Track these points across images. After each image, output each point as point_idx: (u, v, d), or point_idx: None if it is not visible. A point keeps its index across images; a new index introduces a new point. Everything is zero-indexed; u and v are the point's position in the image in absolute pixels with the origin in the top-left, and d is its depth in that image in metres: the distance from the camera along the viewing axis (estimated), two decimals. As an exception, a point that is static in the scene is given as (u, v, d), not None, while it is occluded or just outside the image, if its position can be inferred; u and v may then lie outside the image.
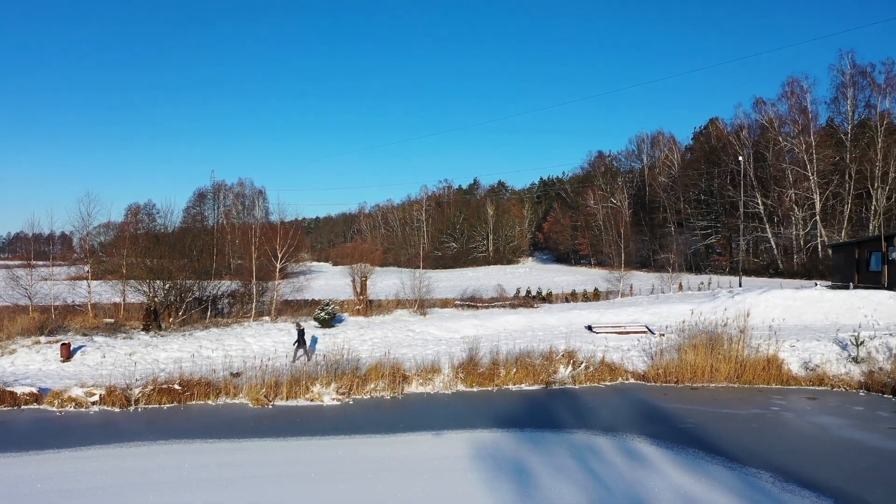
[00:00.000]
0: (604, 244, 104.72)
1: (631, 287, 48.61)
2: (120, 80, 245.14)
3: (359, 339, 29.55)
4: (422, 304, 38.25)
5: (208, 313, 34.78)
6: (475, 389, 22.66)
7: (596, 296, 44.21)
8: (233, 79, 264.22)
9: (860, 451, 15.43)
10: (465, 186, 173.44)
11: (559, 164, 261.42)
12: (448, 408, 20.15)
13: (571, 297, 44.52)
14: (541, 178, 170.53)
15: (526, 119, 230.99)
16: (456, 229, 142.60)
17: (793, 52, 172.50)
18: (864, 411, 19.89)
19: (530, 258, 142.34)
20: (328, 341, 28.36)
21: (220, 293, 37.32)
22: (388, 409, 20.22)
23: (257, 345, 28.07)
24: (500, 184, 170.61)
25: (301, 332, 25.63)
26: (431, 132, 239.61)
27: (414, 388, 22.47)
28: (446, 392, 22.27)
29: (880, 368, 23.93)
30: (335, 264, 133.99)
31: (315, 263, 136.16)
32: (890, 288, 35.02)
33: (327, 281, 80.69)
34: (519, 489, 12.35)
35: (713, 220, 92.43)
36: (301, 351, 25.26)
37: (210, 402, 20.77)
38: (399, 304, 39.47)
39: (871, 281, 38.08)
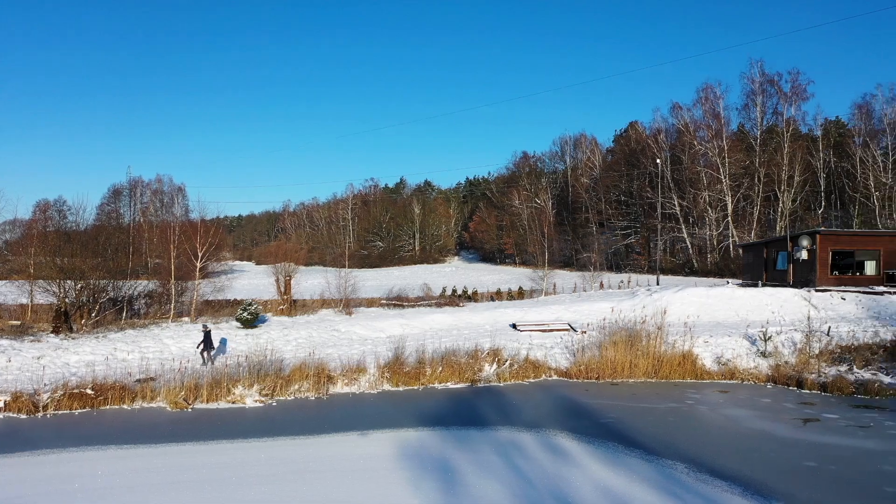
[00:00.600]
0: (528, 243, 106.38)
1: (554, 286, 49.60)
2: (25, 68, 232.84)
3: (283, 339, 29.07)
4: (347, 304, 37.95)
5: (124, 314, 33.50)
6: (401, 389, 22.64)
7: (521, 294, 44.91)
8: (150, 70, 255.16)
9: (768, 440, 16.21)
10: (391, 185, 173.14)
11: (485, 164, 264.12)
12: (374, 407, 20.06)
13: (497, 295, 45.08)
14: (467, 178, 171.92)
15: (452, 119, 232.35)
16: (382, 228, 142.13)
17: (708, 59, 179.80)
18: (772, 403, 20.92)
19: (456, 257, 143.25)
20: (251, 342, 27.78)
21: (136, 293, 36.01)
22: (313, 409, 19.96)
23: (176, 346, 27.23)
24: (427, 183, 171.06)
25: (207, 335, 24.87)
26: (358, 130, 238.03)
27: (339, 388, 22.27)
28: (372, 392, 22.16)
29: (786, 362, 25.23)
30: (258, 263, 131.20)
31: (237, 262, 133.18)
32: (795, 286, 36.93)
33: (250, 280, 78.99)
34: (444, 487, 12.41)
35: (633, 221, 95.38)
36: (207, 354, 24.56)
37: (125, 406, 20.00)
38: (324, 303, 39.06)
39: (778, 279, 40.07)
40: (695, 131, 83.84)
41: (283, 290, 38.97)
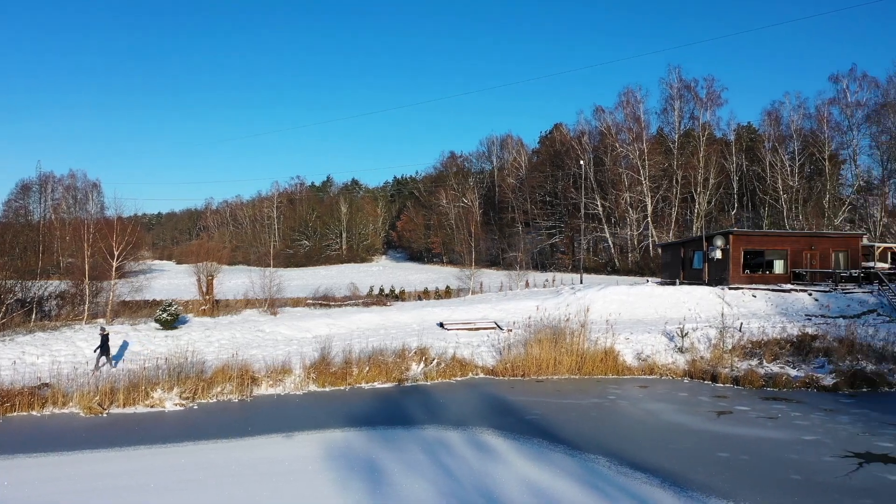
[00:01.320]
0: (456, 243, 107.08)
1: (481, 284, 50.09)
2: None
3: (204, 340, 28.30)
4: (272, 304, 37.28)
5: (33, 316, 31.88)
6: (327, 389, 22.41)
7: (448, 293, 45.16)
8: (63, 60, 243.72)
9: (684, 433, 16.84)
10: (318, 183, 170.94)
11: (413, 164, 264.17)
12: (299, 408, 19.78)
13: (424, 294, 45.18)
14: (395, 177, 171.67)
15: (380, 117, 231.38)
16: (309, 227, 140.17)
17: (630, 64, 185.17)
18: (688, 396, 21.73)
19: (384, 256, 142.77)
20: (171, 343, 26.93)
21: (47, 294, 34.32)
22: (236, 412, 19.51)
23: (90, 349, 26.10)
24: (354, 181, 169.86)
25: (105, 338, 23.92)
26: (284, 127, 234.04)
27: (264, 389, 21.86)
28: (297, 393, 21.85)
29: (701, 357, 26.25)
30: (179, 263, 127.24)
31: (157, 262, 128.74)
32: (710, 284, 38.48)
33: (170, 280, 76.60)
34: (370, 487, 12.35)
35: (557, 221, 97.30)
36: (104, 359, 23.64)
37: (35, 412, 19.05)
38: (248, 303, 38.25)
39: (694, 277, 41.67)
40: (616, 134, 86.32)
41: (205, 290, 37.94)
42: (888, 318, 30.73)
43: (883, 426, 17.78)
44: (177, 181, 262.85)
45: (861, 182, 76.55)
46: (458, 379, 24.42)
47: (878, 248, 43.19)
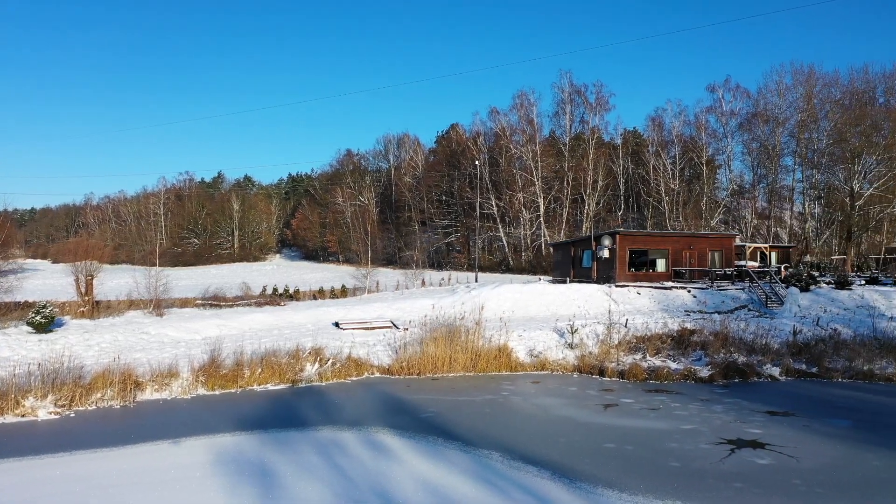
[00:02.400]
0: (352, 242, 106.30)
1: (378, 284, 49.90)
2: None
3: (83, 344, 26.69)
4: (158, 304, 35.66)
5: None
6: (217, 392, 21.67)
7: (344, 292, 44.72)
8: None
9: (573, 426, 17.43)
10: (208, 180, 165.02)
11: (308, 161, 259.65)
12: (187, 413, 19.01)
13: (320, 294, 44.53)
14: (289, 174, 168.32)
15: (274, 113, 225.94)
16: (198, 225, 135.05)
17: (524, 67, 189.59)
18: (577, 391, 22.51)
19: (278, 255, 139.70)
20: (45, 348, 25.22)
21: None
22: (118, 419, 18.51)
23: (-48, 356, 24.09)
24: (247, 178, 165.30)
25: None
26: (172, 120, 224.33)
27: (148, 394, 20.86)
28: (185, 397, 21.00)
29: (590, 352, 27.26)
30: (56, 262, 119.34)
31: (30, 261, 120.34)
32: (598, 282, 40.02)
33: (45, 280, 71.97)
34: (262, 492, 12.06)
35: (453, 220, 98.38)
36: None
37: None
38: (132, 304, 36.41)
39: (584, 276, 43.22)
40: (511, 135, 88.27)
41: (83, 290, 35.78)
42: (758, 313, 32.98)
43: (752, 414, 19.08)
44: (52, 174, 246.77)
45: (734, 186, 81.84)
46: (354, 379, 24.24)
47: (749, 247, 46.36)
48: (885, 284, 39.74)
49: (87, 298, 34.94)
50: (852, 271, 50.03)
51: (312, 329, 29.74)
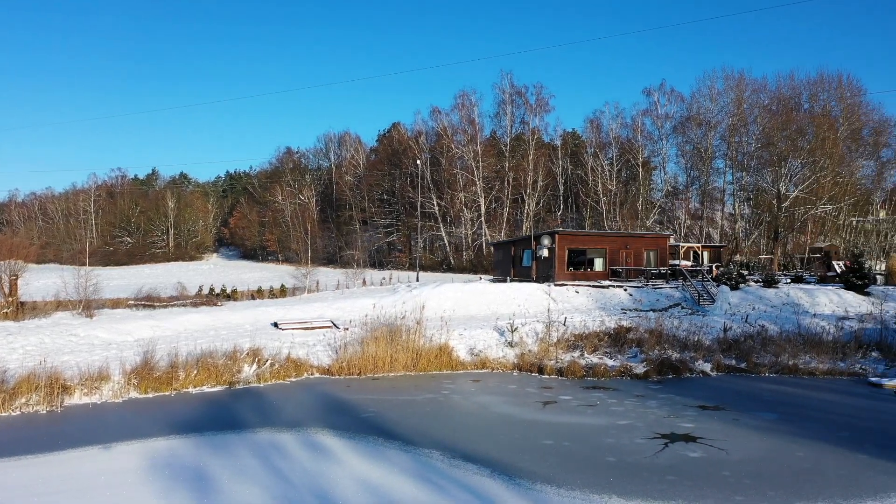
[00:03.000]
0: (292, 241, 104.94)
1: (318, 283, 49.37)
2: None
3: (6, 347, 25.54)
4: (88, 305, 34.44)
5: None
6: (151, 395, 21.06)
7: (283, 292, 44.06)
8: None
9: (513, 423, 17.62)
10: (142, 176, 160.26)
11: (247, 158, 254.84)
12: (118, 418, 18.41)
13: (258, 294, 43.76)
14: (227, 172, 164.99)
15: (212, 109, 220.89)
16: (131, 223, 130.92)
17: (465, 67, 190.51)
18: (517, 389, 22.76)
19: (215, 254, 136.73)
20: (-35, 352, 24.06)
21: None
22: (44, 424, 17.79)
23: None
24: (183, 175, 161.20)
25: None
26: (103, 114, 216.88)
27: (77, 399, 20.11)
28: (116, 400, 20.33)
29: (529, 350, 27.61)
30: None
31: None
32: (538, 281, 40.55)
33: (-35, 281, 68.43)
34: (197, 496, 11.79)
35: (395, 219, 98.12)
36: None
37: None
38: (60, 305, 35.08)
39: (524, 275, 43.73)
40: (452, 135, 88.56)
41: (7, 291, 34.28)
42: (690, 311, 33.98)
43: (685, 408, 19.66)
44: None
45: (669, 187, 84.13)
46: (293, 380, 23.92)
47: (683, 247, 47.75)
48: (808, 282, 41.51)
49: (11, 299, 33.49)
50: (779, 270, 52.08)
51: (250, 330, 29.22)
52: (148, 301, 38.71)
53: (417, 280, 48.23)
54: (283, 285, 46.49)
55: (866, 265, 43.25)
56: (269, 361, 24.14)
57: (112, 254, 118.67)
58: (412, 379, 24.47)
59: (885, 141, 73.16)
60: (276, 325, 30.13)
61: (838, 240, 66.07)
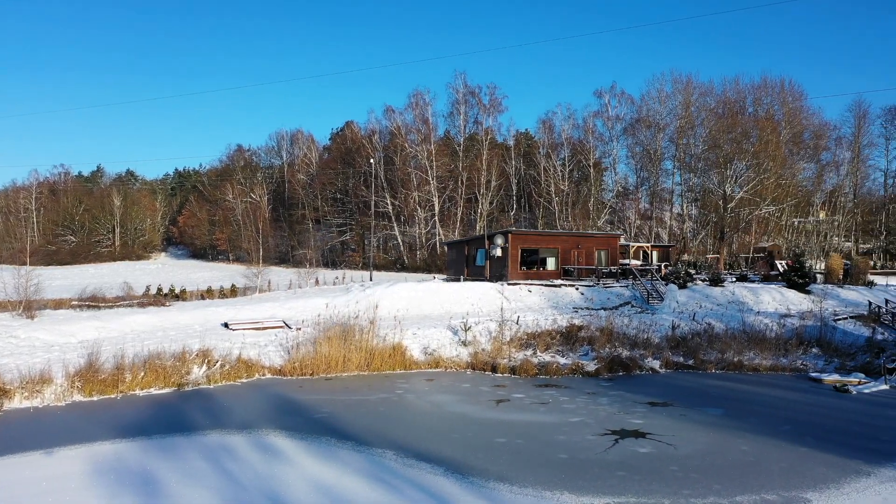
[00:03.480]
0: (243, 240, 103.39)
1: (269, 283, 48.75)
2: None
3: (-59, 350, 24.55)
4: (29, 306, 33.29)
5: None
6: (96, 398, 20.49)
7: (234, 292, 43.33)
8: None
9: (466, 422, 17.69)
10: (86, 174, 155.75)
11: (196, 156, 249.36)
12: (61, 421, 17.86)
13: (208, 293, 42.94)
14: (176, 169, 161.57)
15: (160, 104, 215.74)
16: (75, 221, 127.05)
17: (419, 66, 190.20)
18: (470, 387, 22.85)
19: (164, 254, 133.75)
20: None
21: None
22: (-18, 430, 17.15)
23: None
24: (129, 172, 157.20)
25: None
26: (45, 108, 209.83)
27: (17, 403, 19.44)
28: (59, 404, 19.72)
29: (483, 349, 27.76)
30: None
31: None
32: (491, 280, 40.79)
33: None
34: (144, 501, 11.52)
35: (348, 218, 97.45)
36: None
37: None
38: (-1, 306, 33.85)
39: (477, 274, 43.92)
40: (406, 134, 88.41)
41: (-58, 291, 32.95)
42: (640, 309, 34.62)
43: (634, 405, 20.03)
44: None
45: (619, 188, 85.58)
46: (244, 381, 23.57)
47: (633, 247, 48.63)
48: (752, 281, 42.72)
49: (-54, 300, 32.18)
50: (725, 269, 53.47)
51: (200, 330, 28.67)
52: (92, 301, 37.67)
53: (371, 279, 47.98)
54: (233, 285, 45.70)
55: (807, 264, 44.74)
56: (219, 362, 23.73)
57: (55, 253, 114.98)
58: (366, 379, 24.36)
59: (824, 144, 75.82)
60: (226, 325, 29.63)
61: (781, 240, 68.23)
